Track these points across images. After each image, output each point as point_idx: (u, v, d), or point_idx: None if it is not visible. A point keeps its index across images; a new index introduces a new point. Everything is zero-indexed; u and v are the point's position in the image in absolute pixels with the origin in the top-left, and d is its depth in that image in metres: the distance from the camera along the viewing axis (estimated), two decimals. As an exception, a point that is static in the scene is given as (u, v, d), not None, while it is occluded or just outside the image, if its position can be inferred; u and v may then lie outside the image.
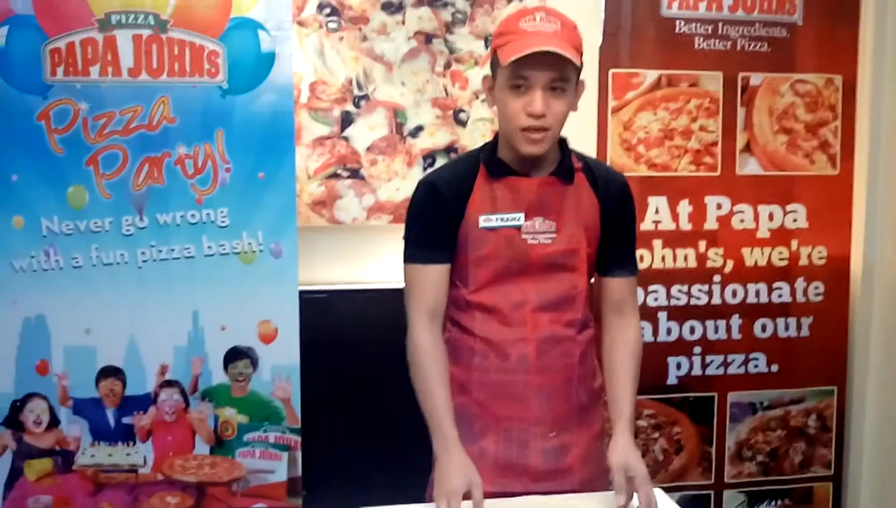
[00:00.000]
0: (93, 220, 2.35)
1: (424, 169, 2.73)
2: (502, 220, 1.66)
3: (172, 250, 2.38)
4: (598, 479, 1.72)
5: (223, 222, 2.38)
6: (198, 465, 2.45)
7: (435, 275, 1.69)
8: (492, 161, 1.69)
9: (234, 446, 2.45)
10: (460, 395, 1.71)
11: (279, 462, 2.46)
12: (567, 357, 1.71)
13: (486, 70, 1.71)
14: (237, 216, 2.39)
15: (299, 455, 2.47)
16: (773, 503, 2.84)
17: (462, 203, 1.67)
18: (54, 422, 2.39)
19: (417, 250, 1.70)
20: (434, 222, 1.69)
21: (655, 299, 2.72)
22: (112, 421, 2.41)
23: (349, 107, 2.70)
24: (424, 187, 1.72)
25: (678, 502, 2.80)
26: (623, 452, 1.60)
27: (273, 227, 2.40)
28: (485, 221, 1.66)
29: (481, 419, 1.72)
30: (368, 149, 2.72)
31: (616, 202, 1.74)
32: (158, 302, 2.39)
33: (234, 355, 2.43)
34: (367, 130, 2.72)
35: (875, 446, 2.86)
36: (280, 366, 2.43)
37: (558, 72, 1.56)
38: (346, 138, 2.71)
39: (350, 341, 2.63)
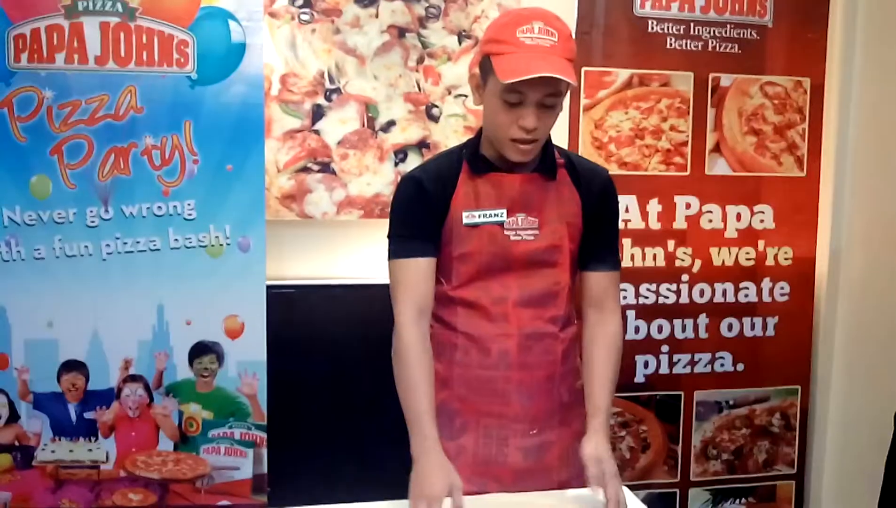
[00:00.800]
0: (56, 210, 2.30)
1: (396, 164, 2.72)
2: (485, 216, 1.65)
3: (138, 242, 2.34)
4: (576, 479, 1.71)
5: (190, 214, 2.35)
6: (161, 461, 2.41)
7: (422, 269, 1.67)
8: (475, 158, 1.69)
9: (199, 442, 2.42)
10: (441, 390, 1.69)
11: (244, 459, 2.43)
12: (549, 354, 1.70)
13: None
14: (204, 209, 2.35)
15: (265, 451, 2.44)
16: (738, 501, 2.87)
17: (446, 199, 1.66)
18: (14, 417, 2.34)
19: (403, 244, 1.68)
20: (419, 216, 1.67)
21: (624, 298, 2.73)
22: (74, 416, 2.36)
23: (320, 100, 2.67)
24: (409, 182, 1.70)
25: (644, 500, 2.82)
26: (596, 447, 1.59)
27: (241, 220, 2.37)
28: (468, 217, 1.65)
29: (461, 416, 1.71)
30: (339, 143, 2.70)
31: (598, 197, 1.74)
32: (123, 295, 2.35)
33: (200, 350, 2.39)
34: (339, 124, 2.69)
35: (837, 445, 2.90)
36: (246, 362, 2.40)
37: (553, 87, 1.56)
38: (316, 132, 2.68)
39: (318, 336, 2.60)
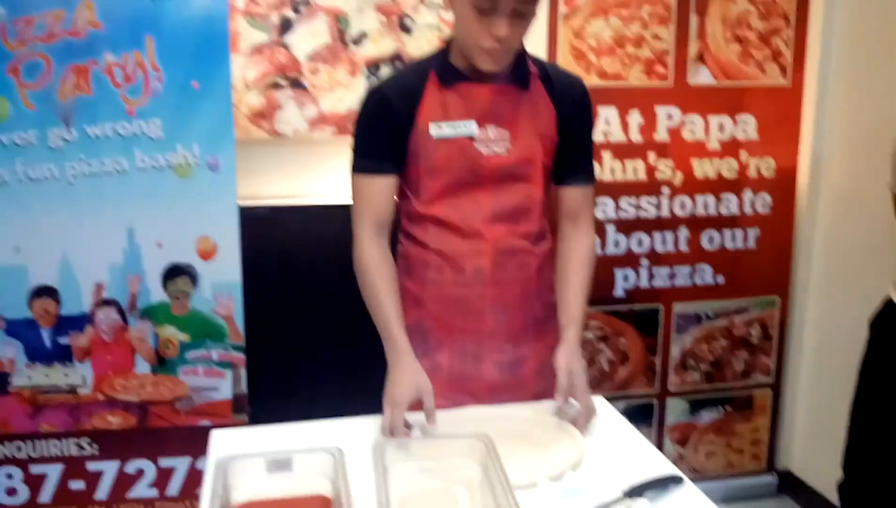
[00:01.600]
0: (17, 133, 2.23)
1: (368, 79, 2.64)
2: (454, 128, 1.61)
3: (103, 163, 2.28)
4: (551, 392, 1.71)
5: (156, 134, 2.28)
6: (139, 384, 2.41)
7: (382, 186, 1.64)
8: (444, 67, 1.63)
9: (176, 364, 2.41)
10: (415, 309, 1.69)
11: (223, 380, 2.43)
12: (523, 270, 1.68)
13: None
14: (171, 128, 2.28)
15: (244, 372, 2.44)
16: (715, 409, 2.91)
17: (412, 111, 1.61)
18: (-14, 344, 2.32)
19: (364, 160, 1.64)
20: (382, 131, 1.63)
21: (604, 212, 2.71)
22: (48, 342, 2.34)
23: (288, 12, 2.58)
24: (372, 95, 1.65)
25: (623, 411, 2.85)
26: (569, 357, 1.59)
27: (209, 139, 2.30)
28: (435, 129, 1.60)
29: (436, 334, 1.70)
30: (310, 57, 2.61)
31: (573, 108, 1.69)
32: (91, 219, 2.30)
33: (173, 272, 2.36)
34: (308, 37, 2.60)
35: (814, 354, 2.93)
36: (221, 283, 2.37)
37: None
38: (285, 46, 2.59)
39: (294, 257, 2.58)
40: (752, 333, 2.91)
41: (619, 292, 2.78)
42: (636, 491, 1.34)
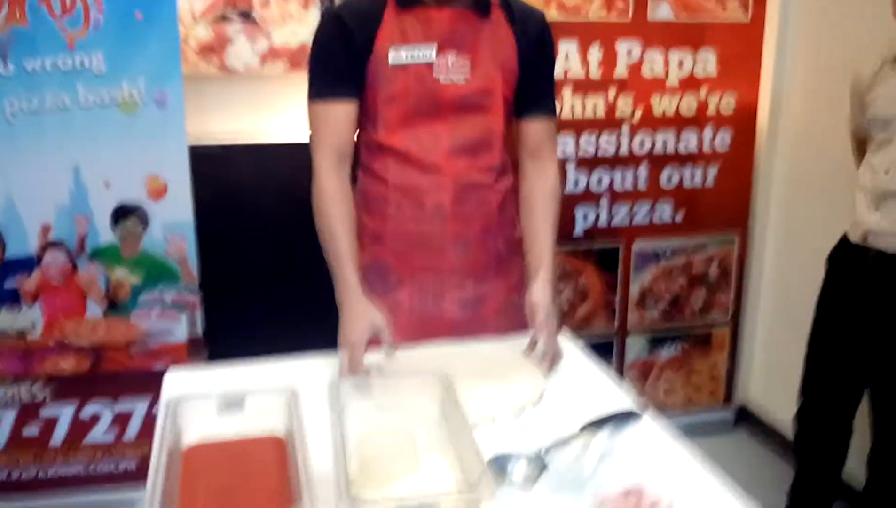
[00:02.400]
0: (-51, 67, 2.12)
1: (321, 10, 2.54)
2: (412, 56, 1.55)
3: (45, 100, 2.18)
4: (512, 331, 1.70)
5: (99, 68, 2.18)
6: (91, 328, 2.35)
7: (341, 112, 1.58)
8: None
9: (129, 307, 2.35)
10: (374, 245, 1.65)
11: (178, 323, 2.39)
12: (484, 205, 1.65)
13: None
14: (115, 62, 2.18)
15: (199, 314, 2.39)
16: (673, 346, 2.94)
17: (370, 35, 1.55)
18: (-71, 288, 2.24)
19: (322, 86, 1.58)
20: (339, 55, 1.56)
21: (564, 150, 2.67)
22: (-7, 286, 2.27)
23: (237, -60, 2.46)
24: (328, 18, 1.60)
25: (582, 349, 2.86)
26: (540, 299, 1.57)
27: (156, 74, 2.21)
28: (394, 56, 1.55)
29: (396, 271, 1.67)
30: (260, -11, 2.51)
31: (535, 40, 1.65)
32: (34, 158, 2.21)
33: (122, 212, 2.29)
34: (258, -33, 2.50)
35: (772, 291, 2.96)
36: (172, 223, 2.31)
37: None
38: (234, -24, 2.48)
39: (247, 196, 2.51)
40: (711, 271, 2.93)
41: (578, 230, 2.77)
42: (594, 427, 1.34)
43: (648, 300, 2.89)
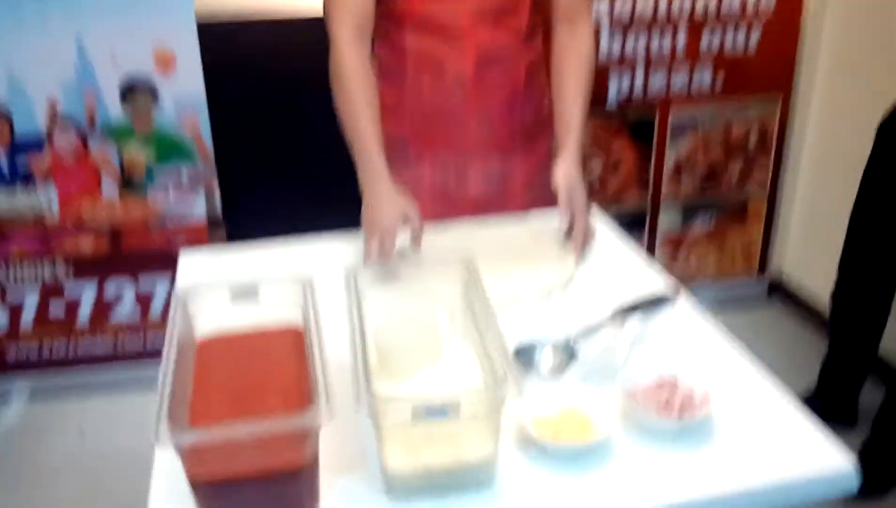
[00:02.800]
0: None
1: None
2: None
3: (43, -33, 2.05)
4: (540, 206, 1.62)
5: (99, -68, 2.03)
6: (108, 208, 2.30)
7: None
8: None
9: (145, 186, 2.29)
10: (391, 119, 1.55)
11: (195, 202, 2.33)
12: (511, 74, 1.53)
13: None
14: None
15: (217, 192, 2.32)
16: (708, 217, 2.84)
17: None
18: (-60, 168, 2.19)
19: None
20: None
21: (597, 13, 2.49)
22: (5, 165, 2.21)
23: None
24: None
25: (613, 220, 2.77)
26: (567, 172, 1.47)
27: (158, -64, 2.06)
28: None
29: (415, 146, 1.57)
30: None
31: None
32: (36, 32, 2.10)
33: (131, 87, 2.19)
34: None
35: (812, 161, 2.82)
36: (183, 99, 2.21)
37: None
38: None
39: (259, 72, 2.38)
40: (751, 139, 2.78)
41: (612, 97, 2.62)
42: (626, 312, 1.27)
43: (684, 171, 2.76)
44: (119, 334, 2.45)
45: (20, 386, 2.48)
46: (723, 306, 2.91)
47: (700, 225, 2.85)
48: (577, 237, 1.46)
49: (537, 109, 1.61)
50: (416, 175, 1.58)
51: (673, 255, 2.86)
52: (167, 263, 2.35)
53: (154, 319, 2.45)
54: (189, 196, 2.31)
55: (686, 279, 2.88)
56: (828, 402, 2.30)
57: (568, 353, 1.18)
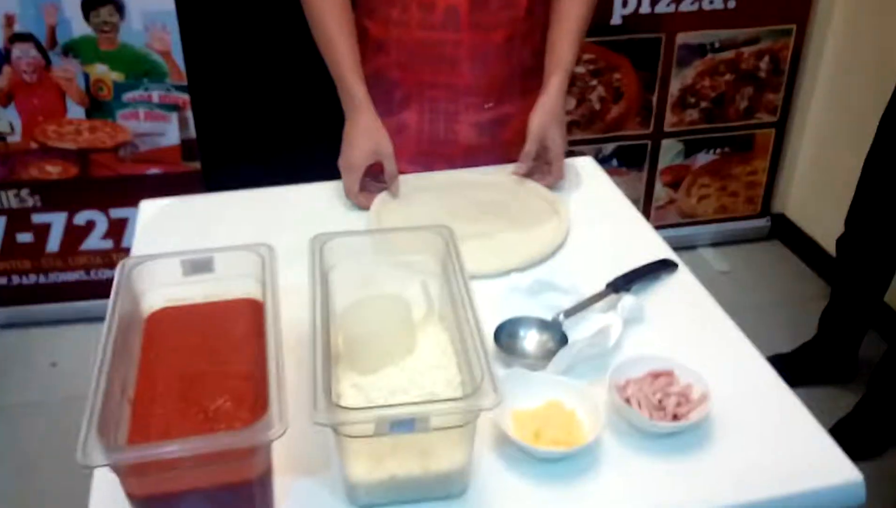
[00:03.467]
0: None
1: None
2: None
3: None
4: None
5: None
6: (75, 130, 2.15)
7: None
8: None
9: (114, 107, 2.14)
10: (376, 56, 1.41)
11: (168, 124, 2.18)
12: (510, 8, 1.37)
13: None
14: None
15: (190, 114, 2.18)
16: (712, 151, 2.70)
17: None
18: None
19: None
20: None
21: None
22: (-40, 84, 2.05)
23: None
24: None
25: (613, 153, 2.65)
26: (544, 116, 1.37)
27: None
28: None
29: (402, 87, 1.43)
30: None
31: None
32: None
33: (94, 1, 2.00)
34: None
35: (826, 94, 2.65)
36: (152, 13, 2.03)
37: None
38: None
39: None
40: (761, 66, 2.61)
41: (616, 19, 2.44)
42: (623, 282, 1.16)
43: (689, 99, 2.60)
44: (92, 262, 2.34)
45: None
46: (722, 244, 2.81)
47: (703, 158, 2.71)
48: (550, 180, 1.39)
49: (537, 46, 1.45)
50: (401, 119, 1.45)
51: (673, 191, 2.73)
52: (139, 190, 2.22)
53: (127, 247, 2.33)
54: (161, 118, 2.16)
55: (686, 216, 2.77)
56: (826, 353, 2.22)
57: (555, 334, 1.08)
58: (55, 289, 2.35)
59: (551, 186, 1.40)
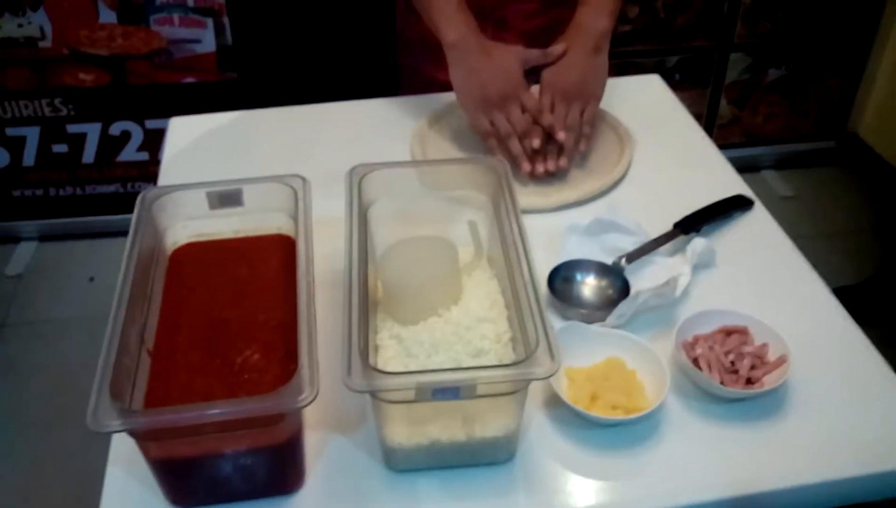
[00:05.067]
0: None
1: None
2: None
3: None
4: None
5: None
6: (108, 36, 2.05)
7: None
8: None
9: (147, 12, 2.03)
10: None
11: (204, 30, 2.06)
12: None
13: None
14: None
15: (227, 20, 2.05)
16: (783, 66, 2.49)
17: None
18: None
19: None
20: None
21: None
22: (-12, -15, 1.95)
23: None
24: None
25: (675, 65, 2.46)
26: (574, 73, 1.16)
27: None
28: None
29: None
30: None
31: None
32: None
33: None
34: None
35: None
36: None
37: None
38: None
39: None
40: (844, -28, 2.37)
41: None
42: (692, 222, 1.05)
43: (763, 9, 2.39)
44: (128, 173, 2.28)
45: (28, 231, 2.35)
46: (788, 165, 2.64)
47: (774, 73, 2.50)
48: (571, 134, 1.16)
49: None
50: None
51: (739, 106, 2.55)
52: (176, 99, 2.14)
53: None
54: (196, 24, 2.05)
55: (751, 135, 2.59)
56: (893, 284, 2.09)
57: (615, 281, 0.97)
58: (92, 201, 2.30)
59: (557, 169, 1.16)
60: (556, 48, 1.16)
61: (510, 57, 1.14)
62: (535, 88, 1.17)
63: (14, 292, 2.23)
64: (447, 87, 1.16)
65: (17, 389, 1.98)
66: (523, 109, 1.14)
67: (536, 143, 1.13)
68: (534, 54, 1.15)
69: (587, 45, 1.15)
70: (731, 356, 0.86)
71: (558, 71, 1.16)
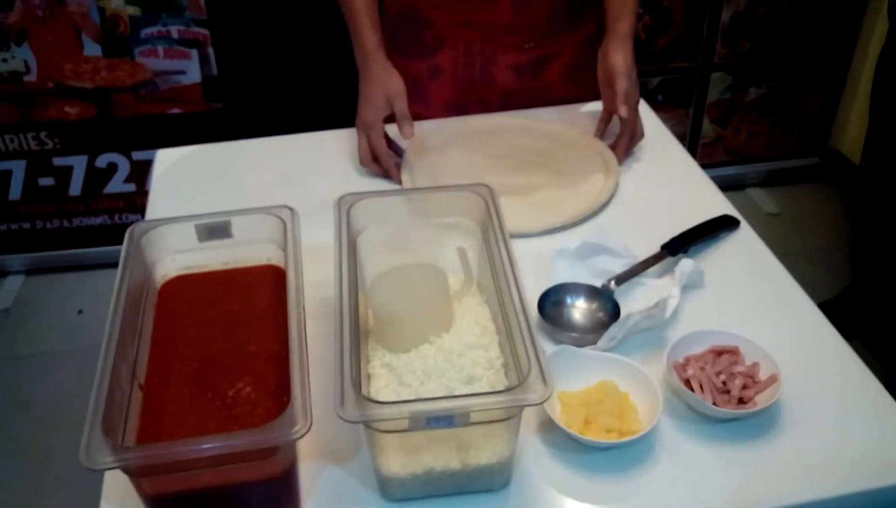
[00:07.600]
0: None
1: None
2: None
3: None
4: (580, 100, 1.37)
5: None
6: (92, 69, 2.05)
7: None
8: None
9: (132, 44, 2.03)
10: None
11: (189, 62, 2.07)
12: None
13: None
14: None
15: (212, 52, 2.06)
16: (763, 84, 2.52)
17: None
18: None
19: None
20: None
21: None
22: (-29, 21, 1.95)
23: None
24: None
25: (658, 86, 2.49)
26: (620, 60, 1.21)
27: None
28: None
29: (435, 27, 1.31)
30: None
31: None
32: None
33: (106, -71, 1.89)
34: None
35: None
36: (168, -56, 1.91)
37: None
38: None
39: None
40: (822, -7, 2.41)
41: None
42: (680, 244, 1.05)
43: (742, 28, 2.42)
44: (115, 206, 2.27)
45: (15, 265, 2.34)
46: (771, 183, 2.66)
47: (755, 91, 2.53)
48: (624, 136, 1.22)
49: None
50: (435, 64, 1.33)
51: (721, 127, 2.57)
52: (162, 131, 2.14)
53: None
54: (182, 57, 2.06)
55: (734, 154, 2.62)
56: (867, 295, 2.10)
57: (605, 303, 0.98)
58: (79, 234, 2.29)
59: (625, 152, 1.23)
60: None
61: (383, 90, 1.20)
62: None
63: (2, 327, 2.22)
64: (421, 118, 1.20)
65: (7, 424, 1.96)
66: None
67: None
68: (400, 106, 1.20)
69: (629, 50, 1.21)
70: (723, 377, 0.86)
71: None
